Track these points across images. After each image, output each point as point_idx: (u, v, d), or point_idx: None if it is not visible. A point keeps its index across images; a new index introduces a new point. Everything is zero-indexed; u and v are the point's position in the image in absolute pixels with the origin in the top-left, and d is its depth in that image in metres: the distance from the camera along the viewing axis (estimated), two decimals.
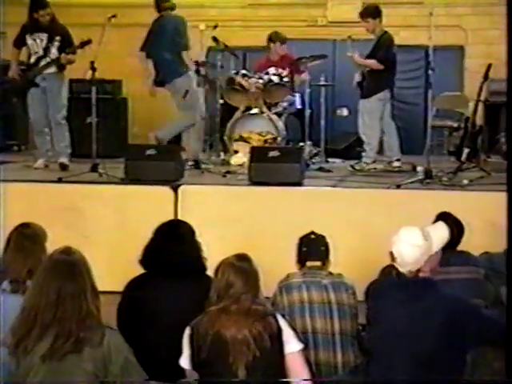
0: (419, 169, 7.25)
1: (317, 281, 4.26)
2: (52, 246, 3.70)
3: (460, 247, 4.54)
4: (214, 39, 8.39)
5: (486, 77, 7.31)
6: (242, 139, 8.09)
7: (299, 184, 6.50)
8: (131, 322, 3.89)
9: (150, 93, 7.87)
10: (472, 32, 10.12)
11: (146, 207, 6.13)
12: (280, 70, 8.30)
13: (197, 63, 8.15)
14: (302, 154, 7.08)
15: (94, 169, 6.88)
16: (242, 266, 3.51)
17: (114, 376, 3.13)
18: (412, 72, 10.36)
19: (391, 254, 3.49)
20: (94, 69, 7.06)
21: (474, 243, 4.77)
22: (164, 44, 7.69)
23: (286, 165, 6.51)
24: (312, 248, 4.39)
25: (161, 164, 6.59)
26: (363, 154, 7.88)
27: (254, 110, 8.21)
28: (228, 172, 7.30)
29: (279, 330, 3.42)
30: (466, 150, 7.20)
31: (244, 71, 8.45)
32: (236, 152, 8.04)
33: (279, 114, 8.45)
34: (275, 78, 8.22)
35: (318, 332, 4.16)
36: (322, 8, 10.51)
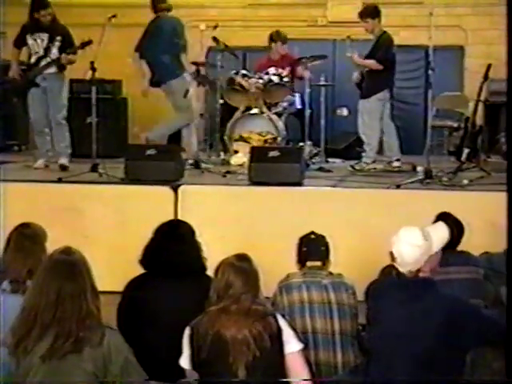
0: (419, 169, 7.25)
1: (317, 281, 4.26)
2: (52, 246, 3.70)
3: (460, 247, 4.54)
4: (214, 39, 8.39)
5: (485, 77, 7.31)
6: (242, 139, 8.09)
7: (299, 184, 6.50)
8: (131, 321, 3.89)
9: (142, 93, 7.88)
10: (472, 32, 10.11)
11: (146, 207, 6.13)
12: (280, 70, 8.31)
13: (196, 64, 8.16)
14: (302, 153, 7.08)
15: (94, 169, 6.88)
16: (241, 266, 3.52)
17: (113, 376, 3.13)
18: (412, 72, 10.36)
19: (391, 253, 3.49)
20: (94, 69, 7.05)
21: (473, 243, 4.77)
22: (161, 45, 7.67)
23: (286, 165, 6.51)
24: (312, 248, 4.39)
25: (161, 164, 6.59)
26: (363, 154, 7.88)
27: (254, 110, 8.21)
28: (228, 172, 7.30)
29: (279, 329, 3.42)
30: (465, 150, 7.20)
31: (244, 71, 8.45)
32: (236, 152, 8.04)
33: (279, 114, 8.46)
34: (275, 78, 8.23)
35: (317, 332, 4.16)
36: (322, 8, 10.51)
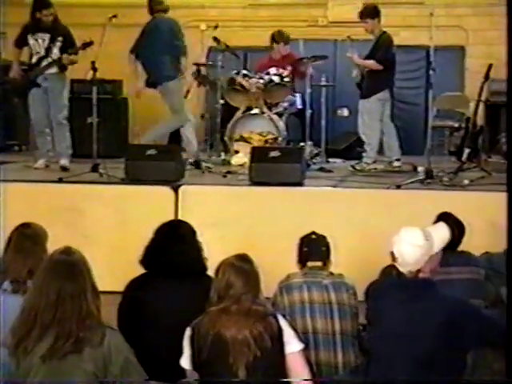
0: (420, 169, 7.25)
1: (317, 281, 4.26)
2: (52, 246, 3.70)
3: (461, 247, 4.53)
4: (215, 39, 8.39)
5: (486, 77, 7.31)
6: (242, 139, 8.09)
7: (300, 184, 6.50)
8: (132, 322, 3.89)
9: (135, 94, 7.88)
10: (472, 32, 10.11)
11: (147, 207, 6.13)
12: (281, 70, 8.30)
13: (197, 64, 8.15)
14: (303, 154, 7.08)
15: (95, 169, 6.88)
16: (242, 266, 3.51)
17: (114, 376, 3.13)
18: (412, 72, 10.35)
19: (392, 254, 3.49)
20: (94, 69, 7.06)
21: (474, 243, 4.76)
22: (157, 46, 7.60)
23: (287, 165, 6.51)
24: (313, 248, 4.39)
25: (161, 164, 6.59)
26: (364, 154, 7.88)
27: (255, 110, 8.21)
28: (228, 172, 7.30)
29: (280, 330, 3.42)
30: (466, 150, 7.19)
31: (245, 71, 8.44)
32: (237, 152, 8.04)
33: (280, 114, 8.45)
34: (276, 78, 8.22)
35: (318, 332, 4.16)
36: (323, 8, 10.50)
